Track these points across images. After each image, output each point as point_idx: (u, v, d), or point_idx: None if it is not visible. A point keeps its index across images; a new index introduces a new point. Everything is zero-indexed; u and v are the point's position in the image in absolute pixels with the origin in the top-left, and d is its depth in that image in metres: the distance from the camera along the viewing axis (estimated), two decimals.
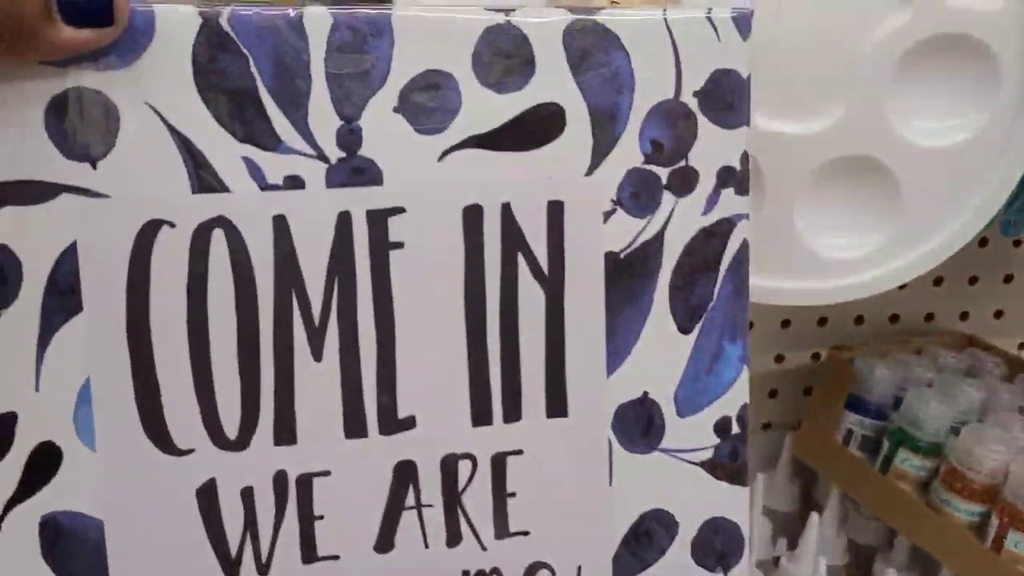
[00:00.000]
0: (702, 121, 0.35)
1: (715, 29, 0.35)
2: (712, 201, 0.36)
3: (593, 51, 0.34)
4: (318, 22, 0.32)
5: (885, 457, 0.70)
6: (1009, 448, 0.63)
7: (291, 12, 0.32)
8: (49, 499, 0.32)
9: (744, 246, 0.36)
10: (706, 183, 0.36)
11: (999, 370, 0.75)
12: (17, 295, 0.31)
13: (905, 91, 0.50)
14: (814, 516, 0.69)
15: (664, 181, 0.35)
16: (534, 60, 0.33)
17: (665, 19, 0.34)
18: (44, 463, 0.31)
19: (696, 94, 0.35)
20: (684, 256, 0.36)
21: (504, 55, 0.33)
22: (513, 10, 0.33)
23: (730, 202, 0.36)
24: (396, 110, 0.33)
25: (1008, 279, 0.84)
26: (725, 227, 0.36)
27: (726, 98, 0.35)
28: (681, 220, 0.36)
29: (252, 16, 0.31)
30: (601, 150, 0.34)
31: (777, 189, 0.53)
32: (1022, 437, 0.65)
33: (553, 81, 0.34)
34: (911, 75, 0.50)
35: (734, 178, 0.36)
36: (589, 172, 0.34)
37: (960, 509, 0.65)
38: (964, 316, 0.84)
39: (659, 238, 0.35)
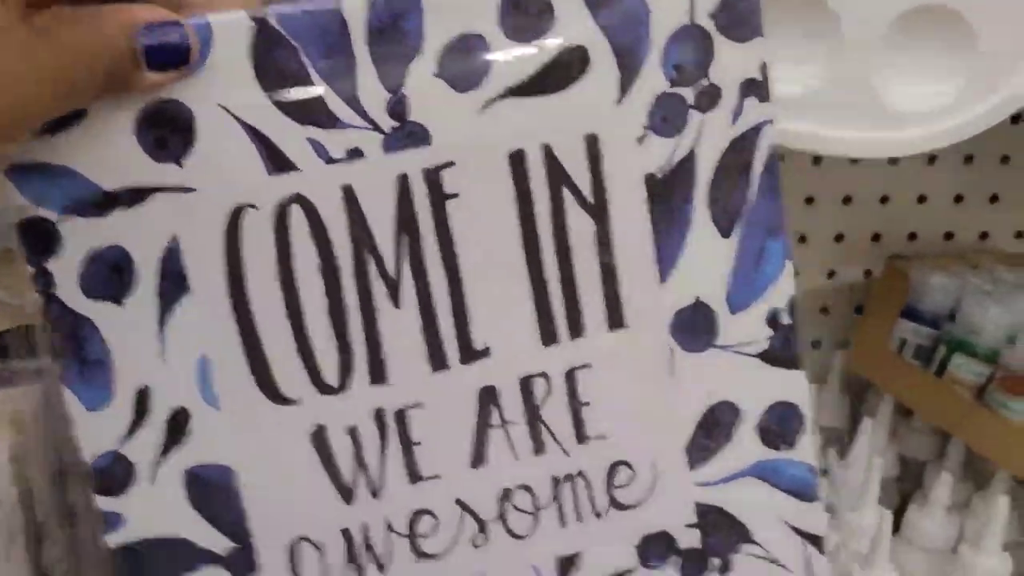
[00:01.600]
0: (718, 39, 0.38)
1: None
2: (737, 112, 0.38)
3: None
4: (355, 9, 0.35)
5: (940, 363, 0.71)
6: None
7: (331, 3, 0.35)
8: (189, 455, 0.37)
9: (773, 149, 0.39)
10: (729, 97, 0.38)
11: None
12: (135, 285, 0.35)
13: None
14: (867, 421, 0.70)
15: (691, 101, 0.38)
16: (553, 8, 0.36)
17: None
18: (180, 425, 0.37)
19: (711, 15, 0.37)
20: (718, 166, 0.39)
21: (526, 8, 0.36)
22: None
23: (755, 110, 0.39)
24: (436, 75, 0.36)
25: None
26: (752, 134, 0.39)
27: (739, 14, 0.38)
28: (711, 134, 0.38)
29: (297, 13, 0.35)
30: (627, 81, 0.37)
31: (855, 40, 0.55)
32: None
33: (574, 25, 0.36)
34: None
35: (755, 87, 0.38)
36: (619, 102, 0.37)
37: (1018, 411, 0.65)
38: (1019, 235, 0.84)
39: (692, 154, 0.38)
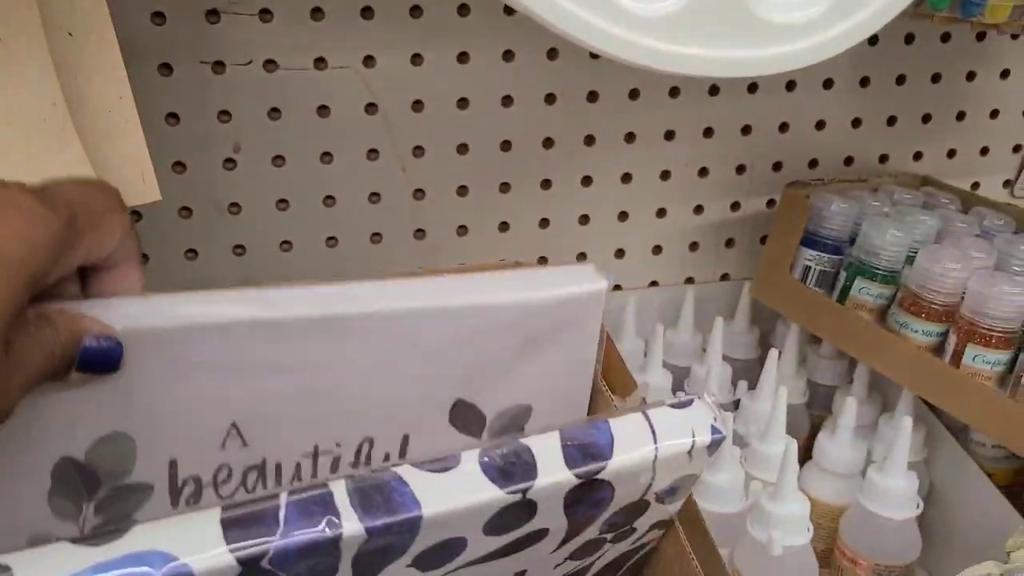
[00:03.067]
0: (654, 505, 0.41)
1: (691, 454, 0.38)
2: (639, 538, 0.43)
3: (586, 495, 0.37)
4: (354, 538, 0.33)
5: (843, 288, 0.73)
6: (966, 267, 0.67)
7: (328, 531, 0.32)
8: None
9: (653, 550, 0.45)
10: (641, 530, 0.43)
11: (953, 205, 0.76)
12: None
13: None
14: (773, 352, 0.72)
15: (608, 539, 0.42)
16: (536, 510, 0.37)
17: (655, 460, 0.38)
18: None
19: (657, 493, 0.40)
20: (604, 566, 0.44)
21: (513, 515, 0.37)
22: (530, 487, 0.35)
23: (651, 534, 0.43)
24: (408, 565, 0.37)
25: (960, 116, 0.82)
26: (641, 546, 0.44)
27: (680, 490, 0.41)
28: (611, 552, 0.43)
29: (291, 551, 0.32)
30: (567, 540, 0.40)
31: None
32: (979, 257, 0.68)
33: (548, 516, 0.38)
34: None
35: (660, 525, 0.43)
36: (552, 552, 0.40)
37: (919, 331, 0.68)
38: (918, 156, 0.83)
39: (590, 565, 0.43)
